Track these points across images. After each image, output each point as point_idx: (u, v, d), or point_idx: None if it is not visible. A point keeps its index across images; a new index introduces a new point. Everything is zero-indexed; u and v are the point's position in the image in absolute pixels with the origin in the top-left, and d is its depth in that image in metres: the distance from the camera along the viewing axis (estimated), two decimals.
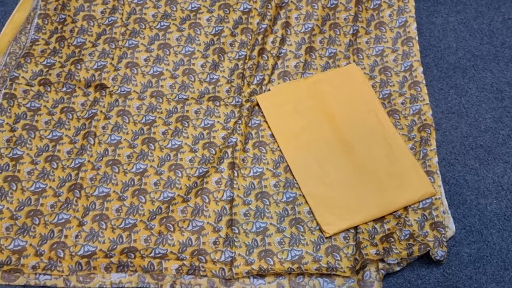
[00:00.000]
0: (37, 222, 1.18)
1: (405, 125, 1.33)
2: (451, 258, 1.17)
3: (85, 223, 1.18)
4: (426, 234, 1.16)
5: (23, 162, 1.25)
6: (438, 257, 1.12)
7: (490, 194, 1.26)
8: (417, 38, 1.45)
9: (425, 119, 1.32)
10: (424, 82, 1.39)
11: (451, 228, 1.19)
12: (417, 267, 1.16)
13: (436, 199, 1.21)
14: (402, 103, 1.36)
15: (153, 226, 1.18)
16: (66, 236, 1.16)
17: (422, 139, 1.29)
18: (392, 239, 1.14)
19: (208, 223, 1.19)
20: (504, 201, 1.25)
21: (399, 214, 1.20)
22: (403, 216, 1.19)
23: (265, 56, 1.44)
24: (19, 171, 1.24)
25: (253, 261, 1.15)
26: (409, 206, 1.20)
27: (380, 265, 1.12)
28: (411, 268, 1.15)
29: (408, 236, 1.15)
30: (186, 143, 1.31)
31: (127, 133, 1.32)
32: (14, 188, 1.22)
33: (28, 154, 1.27)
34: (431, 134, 1.30)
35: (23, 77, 1.38)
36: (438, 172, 1.25)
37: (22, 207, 1.20)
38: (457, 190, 1.26)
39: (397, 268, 1.13)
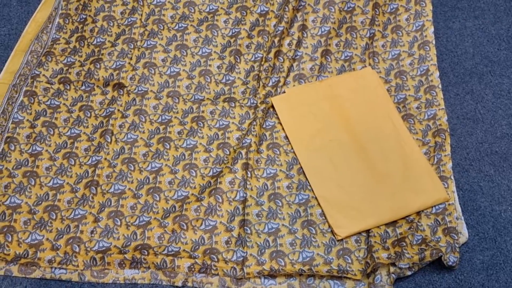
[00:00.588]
0: (54, 217, 1.21)
1: (419, 129, 1.33)
2: (464, 264, 1.17)
3: (100, 219, 1.20)
4: (439, 239, 1.15)
5: (42, 158, 1.28)
6: (450, 263, 1.12)
7: (505, 201, 1.25)
8: (434, 42, 1.44)
9: (440, 124, 1.32)
10: (440, 86, 1.38)
11: (464, 234, 1.19)
12: (429, 272, 1.15)
13: (449, 204, 1.21)
14: (417, 108, 1.36)
15: (166, 224, 1.19)
16: (82, 232, 1.19)
17: (436, 144, 1.29)
18: (404, 244, 1.14)
19: (220, 222, 1.20)
20: None
21: (411, 218, 1.20)
22: (415, 221, 1.19)
23: (281, 58, 1.45)
24: (37, 166, 1.27)
25: (264, 262, 1.16)
26: (422, 211, 1.20)
27: (391, 269, 1.12)
28: (422, 273, 1.15)
29: (420, 241, 1.15)
30: (201, 143, 1.32)
31: (144, 132, 1.34)
32: (33, 183, 1.25)
33: (47, 150, 1.30)
34: (446, 140, 1.29)
35: (43, 75, 1.41)
36: (452, 177, 1.25)
37: (40, 202, 1.22)
38: (471, 196, 1.26)
39: (409, 273, 1.13)
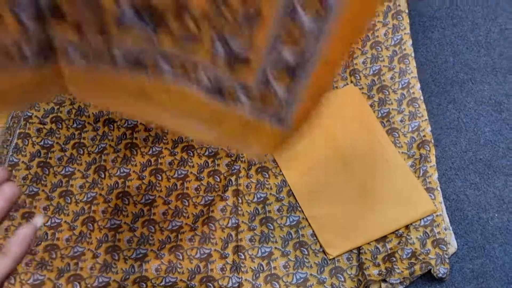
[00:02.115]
0: (54, 256, 1.24)
1: (404, 142, 1.36)
2: (454, 274, 1.19)
3: (98, 255, 1.24)
4: (428, 251, 1.18)
5: (38, 199, 1.32)
6: (440, 275, 1.15)
7: (492, 208, 1.27)
8: (413, 55, 1.47)
9: (424, 135, 1.34)
10: (422, 98, 1.41)
11: (452, 245, 1.21)
12: (420, 285, 1.18)
13: (437, 216, 1.23)
14: (401, 121, 1.39)
15: (163, 256, 1.23)
16: (81, 269, 1.22)
17: (421, 156, 1.31)
18: (394, 259, 1.17)
19: (215, 250, 1.23)
20: (506, 215, 1.26)
21: (401, 232, 1.23)
22: (404, 235, 1.21)
23: None
24: (35, 207, 1.31)
25: (259, 286, 1.19)
26: (411, 224, 1.23)
27: (383, 285, 1.15)
28: (414, 286, 1.18)
29: (410, 254, 1.17)
30: (191, 172, 1.36)
31: (135, 165, 1.38)
32: None
33: (43, 190, 1.34)
34: (430, 151, 1.32)
35: (36, 116, 1.45)
36: (439, 188, 1.27)
37: (40, 242, 1.26)
38: (458, 205, 1.28)
39: (400, 287, 1.16)
